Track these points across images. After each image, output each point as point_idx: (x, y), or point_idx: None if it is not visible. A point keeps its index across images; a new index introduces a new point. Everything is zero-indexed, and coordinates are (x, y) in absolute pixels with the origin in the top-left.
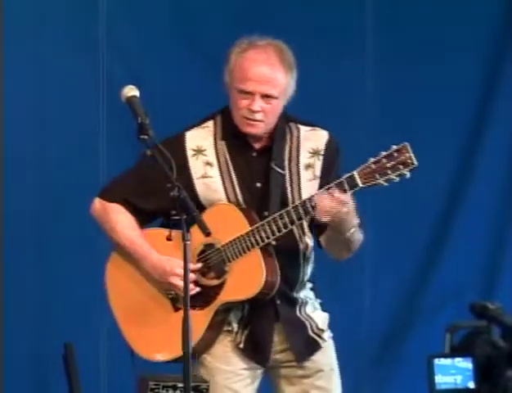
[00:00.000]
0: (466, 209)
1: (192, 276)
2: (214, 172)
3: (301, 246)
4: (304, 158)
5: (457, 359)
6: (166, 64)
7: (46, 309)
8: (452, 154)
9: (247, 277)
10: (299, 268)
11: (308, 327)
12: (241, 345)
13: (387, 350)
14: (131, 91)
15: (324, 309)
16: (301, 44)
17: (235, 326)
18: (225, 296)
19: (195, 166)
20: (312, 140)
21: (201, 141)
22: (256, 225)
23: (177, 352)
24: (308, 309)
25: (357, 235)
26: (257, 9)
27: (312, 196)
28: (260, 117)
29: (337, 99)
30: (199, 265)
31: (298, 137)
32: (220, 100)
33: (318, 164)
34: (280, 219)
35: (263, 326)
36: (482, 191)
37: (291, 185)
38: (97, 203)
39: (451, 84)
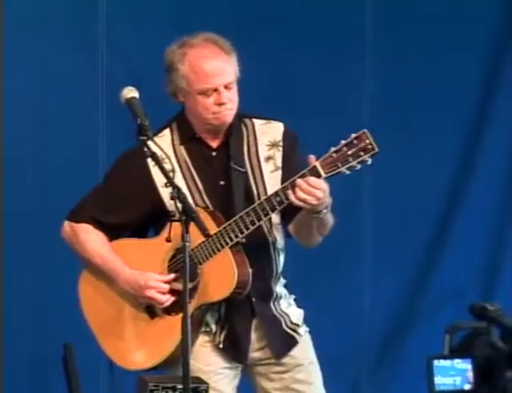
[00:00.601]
0: (466, 209)
1: (166, 286)
2: (178, 178)
3: (270, 239)
4: (263, 151)
5: (456, 361)
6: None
7: (45, 310)
8: (452, 154)
9: (219, 278)
10: (272, 262)
11: (283, 322)
12: (220, 345)
13: (386, 350)
14: (130, 92)
15: (299, 306)
16: (301, 44)
17: (213, 327)
18: (199, 299)
19: (158, 175)
20: (268, 133)
21: (161, 149)
22: (223, 225)
23: (157, 358)
24: (283, 305)
25: (329, 217)
26: (256, 9)
27: (277, 190)
28: (229, 106)
29: (337, 99)
30: (172, 276)
31: (254, 131)
32: None
33: (278, 155)
34: (247, 216)
35: (241, 324)
36: (482, 191)
37: (254, 180)
38: (66, 226)
39: (451, 84)
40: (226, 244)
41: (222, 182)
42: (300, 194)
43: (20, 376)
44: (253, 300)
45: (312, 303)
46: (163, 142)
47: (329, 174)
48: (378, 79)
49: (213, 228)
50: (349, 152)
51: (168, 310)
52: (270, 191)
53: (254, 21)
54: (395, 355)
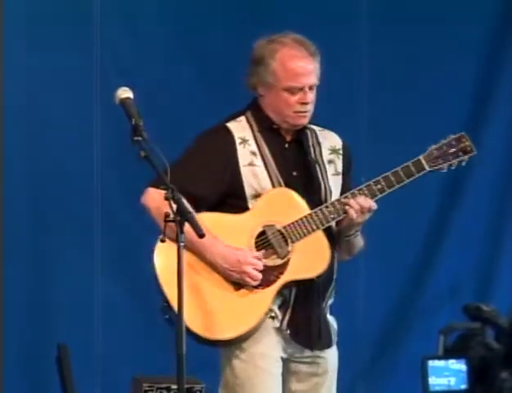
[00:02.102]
0: (461, 210)
1: (261, 264)
2: (259, 161)
3: (334, 230)
4: (326, 154)
5: (451, 361)
6: (161, 65)
7: (40, 311)
8: None
9: (313, 257)
10: (334, 250)
11: (330, 323)
12: (288, 331)
13: (381, 351)
14: (124, 93)
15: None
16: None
17: (278, 313)
18: (289, 275)
19: (243, 154)
20: (329, 139)
21: (243, 132)
22: (320, 207)
23: (241, 329)
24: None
25: (359, 240)
26: (254, 12)
27: (378, 178)
28: (310, 107)
29: (334, 95)
30: (262, 252)
31: (316, 135)
32: (214, 101)
33: (339, 161)
34: (344, 199)
35: (308, 308)
36: (478, 192)
37: (322, 176)
38: (154, 193)
39: (448, 84)
40: (322, 225)
41: (294, 173)
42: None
43: (15, 376)
44: (320, 287)
45: None
46: (242, 126)
47: (432, 168)
48: (374, 78)
49: (305, 209)
50: (450, 151)
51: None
52: (333, 190)
53: (251, 25)
54: (390, 356)
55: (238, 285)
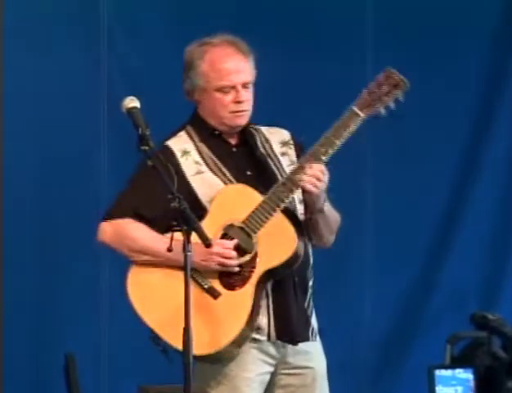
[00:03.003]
0: (467, 219)
1: (234, 253)
2: (205, 168)
3: (303, 226)
4: (277, 148)
5: (458, 370)
6: (167, 74)
7: (46, 320)
8: (453, 162)
9: (279, 241)
10: (307, 248)
11: (310, 314)
12: (272, 336)
13: (388, 360)
14: (131, 102)
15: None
16: (299, 42)
17: (264, 326)
18: (262, 266)
19: (187, 166)
20: (276, 134)
21: (183, 144)
22: (271, 190)
23: (234, 332)
24: (310, 304)
25: (332, 211)
26: (256, 18)
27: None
28: (246, 106)
29: (337, 96)
30: (234, 241)
31: (263, 133)
32: None
33: (291, 151)
34: (289, 178)
35: (287, 303)
36: (483, 200)
37: (277, 168)
38: (106, 227)
39: (453, 90)
40: (278, 206)
41: (248, 172)
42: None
43: (21, 386)
44: (296, 279)
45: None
46: (182, 140)
47: (367, 114)
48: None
49: (258, 197)
50: (382, 91)
51: (232, 285)
52: None
53: (254, 32)
54: (396, 365)
55: (215, 294)
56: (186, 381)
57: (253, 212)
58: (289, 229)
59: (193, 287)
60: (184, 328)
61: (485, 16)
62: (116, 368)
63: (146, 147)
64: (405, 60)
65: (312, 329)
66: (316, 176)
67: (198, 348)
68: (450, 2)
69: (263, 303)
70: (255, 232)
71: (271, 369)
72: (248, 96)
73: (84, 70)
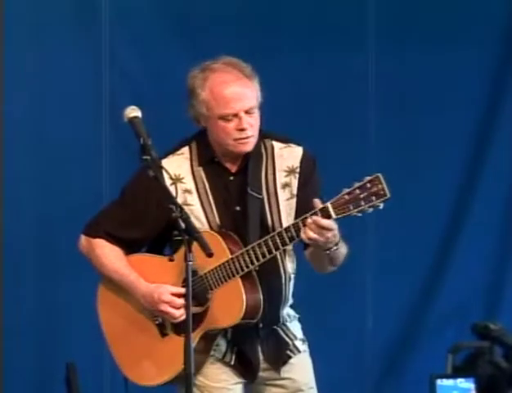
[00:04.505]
0: (468, 229)
1: (181, 301)
2: (194, 199)
3: (282, 266)
4: (281, 177)
5: (459, 380)
6: (169, 83)
7: (47, 329)
8: (454, 173)
9: (228, 306)
10: (282, 287)
11: (284, 336)
12: (232, 362)
13: (389, 370)
14: (133, 112)
15: (300, 322)
16: (301, 44)
17: (223, 346)
18: (207, 324)
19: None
20: (287, 158)
21: (178, 169)
22: (236, 254)
23: (167, 375)
24: (288, 324)
25: (341, 250)
26: (263, 30)
27: (289, 226)
28: (250, 133)
29: (339, 96)
30: (184, 290)
31: (273, 155)
32: None
33: (294, 182)
34: (259, 247)
35: (249, 347)
36: (485, 210)
37: (270, 208)
38: (83, 240)
39: (455, 100)
40: (237, 273)
41: (237, 208)
42: (310, 233)
43: None
44: (260, 325)
45: (314, 323)
46: (181, 161)
47: (339, 216)
48: (380, 78)
49: (225, 254)
50: (361, 196)
51: (179, 331)
52: (284, 219)
53: (257, 36)
54: (398, 375)
55: (164, 332)
56: (187, 389)
57: (216, 268)
58: (240, 300)
59: (147, 319)
60: (185, 341)
61: (491, 28)
62: (118, 377)
63: (148, 157)
64: (405, 60)
65: (294, 345)
66: (321, 234)
67: (139, 379)
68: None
69: (224, 338)
70: (212, 289)
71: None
72: (252, 121)
73: (86, 78)
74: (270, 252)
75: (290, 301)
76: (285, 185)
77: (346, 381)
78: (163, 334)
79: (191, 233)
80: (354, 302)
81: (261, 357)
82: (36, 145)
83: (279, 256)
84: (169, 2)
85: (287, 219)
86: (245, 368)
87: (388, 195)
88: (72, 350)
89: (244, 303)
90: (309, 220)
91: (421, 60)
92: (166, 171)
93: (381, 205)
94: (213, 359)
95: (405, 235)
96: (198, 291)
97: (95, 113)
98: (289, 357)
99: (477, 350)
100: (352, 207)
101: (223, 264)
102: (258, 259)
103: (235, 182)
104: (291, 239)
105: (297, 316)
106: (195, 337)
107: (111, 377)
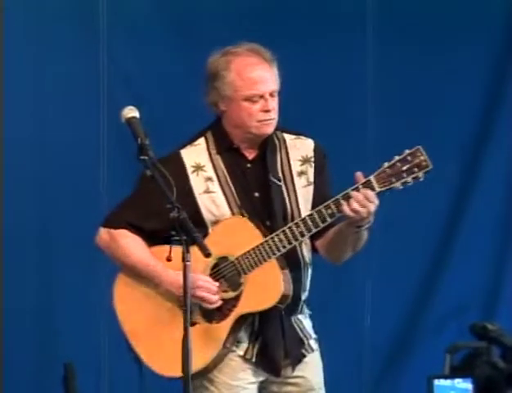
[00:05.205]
0: (466, 229)
1: (214, 287)
2: (215, 186)
3: (300, 253)
4: (296, 166)
5: (457, 380)
6: (167, 83)
7: (46, 329)
8: (452, 173)
9: (264, 288)
10: (302, 275)
11: (299, 331)
12: (253, 359)
13: (387, 370)
14: (130, 112)
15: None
16: (299, 39)
17: (245, 342)
18: (242, 308)
19: (197, 182)
20: (300, 148)
21: (197, 157)
22: (271, 235)
23: (198, 366)
24: (301, 317)
25: (365, 232)
26: (258, 23)
27: (328, 203)
28: (273, 115)
29: (337, 94)
30: (217, 284)
31: (286, 145)
32: None
33: (311, 170)
34: (296, 227)
35: (273, 337)
36: (483, 211)
37: (288, 194)
38: (103, 233)
39: (454, 103)
40: (274, 254)
41: (256, 194)
42: (355, 205)
43: None
44: (283, 313)
45: (313, 322)
46: (199, 151)
47: (383, 189)
48: (378, 75)
49: (258, 237)
50: (403, 168)
51: (210, 318)
52: (302, 206)
53: (254, 35)
54: (396, 375)
55: (192, 321)
56: (185, 390)
57: (249, 251)
58: (278, 281)
59: (173, 310)
60: (183, 341)
61: (490, 27)
62: (116, 378)
63: (146, 157)
64: (404, 59)
65: (308, 344)
66: (366, 205)
67: (165, 369)
68: None
69: (247, 332)
70: (245, 273)
71: (262, 378)
72: (274, 104)
73: (83, 78)
74: (309, 230)
75: (307, 293)
76: (301, 173)
77: (344, 380)
78: (192, 323)
79: (189, 234)
80: (353, 302)
81: (282, 352)
82: (35, 145)
83: (298, 247)
84: (168, 3)
85: (305, 205)
86: (269, 363)
87: (431, 166)
88: (70, 351)
89: (282, 284)
90: (354, 192)
91: (421, 59)
92: (166, 169)
93: (422, 177)
94: (234, 355)
95: (403, 235)
96: (230, 277)
97: (93, 113)
98: (304, 355)
99: (475, 351)
100: (394, 180)
101: (257, 246)
102: (295, 239)
103: (253, 169)
104: (331, 215)
105: (309, 313)
106: (228, 323)
107: (109, 377)
